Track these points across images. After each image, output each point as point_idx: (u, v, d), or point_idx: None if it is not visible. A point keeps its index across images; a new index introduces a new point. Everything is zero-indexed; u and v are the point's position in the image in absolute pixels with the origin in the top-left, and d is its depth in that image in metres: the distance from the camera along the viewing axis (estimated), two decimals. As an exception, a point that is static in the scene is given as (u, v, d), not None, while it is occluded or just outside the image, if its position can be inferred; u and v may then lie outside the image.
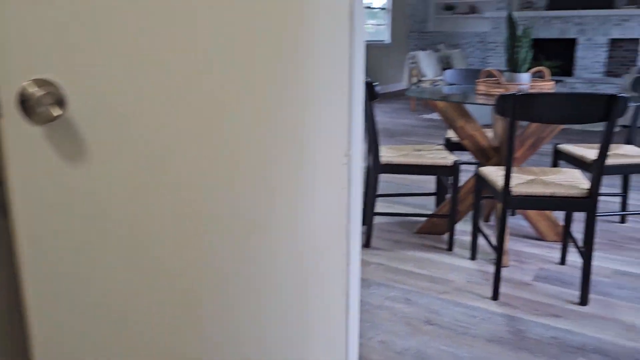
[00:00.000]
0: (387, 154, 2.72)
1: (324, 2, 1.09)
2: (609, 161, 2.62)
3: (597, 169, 2.00)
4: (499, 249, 2.15)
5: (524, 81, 2.53)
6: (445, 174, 2.58)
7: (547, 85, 2.51)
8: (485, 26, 11.12)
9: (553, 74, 8.58)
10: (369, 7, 9.76)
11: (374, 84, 2.42)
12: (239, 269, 1.17)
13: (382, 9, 10.18)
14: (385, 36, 10.39)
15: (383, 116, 7.25)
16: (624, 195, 3.02)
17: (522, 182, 2.18)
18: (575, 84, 9.51)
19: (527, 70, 2.59)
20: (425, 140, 5.53)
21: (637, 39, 9.46)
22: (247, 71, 1.04)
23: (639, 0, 9.27)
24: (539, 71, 2.64)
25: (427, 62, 7.63)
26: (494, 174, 2.29)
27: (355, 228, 1.28)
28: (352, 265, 1.37)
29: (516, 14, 10.14)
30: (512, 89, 2.51)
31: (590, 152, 2.72)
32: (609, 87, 9.25)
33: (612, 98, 1.85)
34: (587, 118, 1.89)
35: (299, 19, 1.07)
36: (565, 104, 1.89)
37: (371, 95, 2.44)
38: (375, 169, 2.63)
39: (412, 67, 7.68)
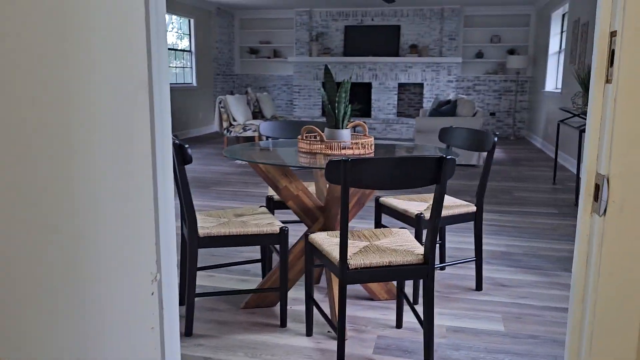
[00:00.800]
0: (206, 224, 2.35)
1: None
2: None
3: (431, 237, 1.91)
4: (340, 333, 1.92)
5: (345, 138, 2.41)
6: (272, 242, 2.31)
7: (368, 141, 2.42)
8: (289, 70, 11.46)
9: (355, 116, 9.16)
10: (172, 49, 9.33)
11: (185, 146, 2.05)
12: None
13: (187, 51, 9.83)
14: (190, 79, 10.03)
15: (193, 163, 6.82)
16: (442, 242, 3.09)
17: (356, 250, 2.00)
18: (374, 125, 10.24)
19: (347, 125, 2.48)
20: (241, 190, 5.26)
21: (421, 84, 10.59)
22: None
23: (419, 50, 10.42)
24: (358, 125, 2.55)
25: (236, 106, 7.46)
26: (327, 242, 2.08)
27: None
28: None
29: (316, 59, 10.64)
30: (335, 147, 2.37)
31: (412, 205, 2.70)
32: (402, 126, 10.16)
33: (442, 161, 1.78)
34: (420, 182, 1.79)
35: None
36: (397, 170, 1.76)
37: (184, 159, 2.07)
38: (192, 243, 2.25)
39: (222, 111, 7.43)
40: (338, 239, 2.09)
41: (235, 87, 11.75)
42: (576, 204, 4.73)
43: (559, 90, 7.57)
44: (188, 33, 9.88)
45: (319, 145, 2.37)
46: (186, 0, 9.42)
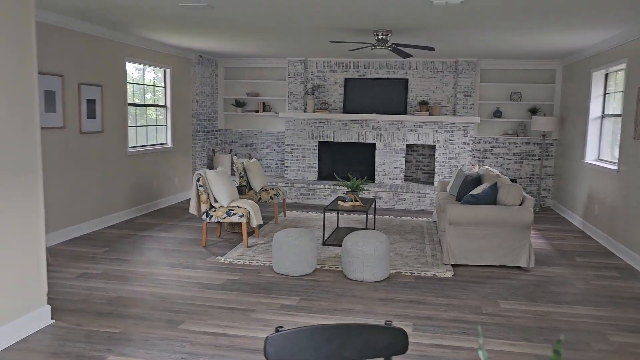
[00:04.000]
0: None
1: None
2: None
3: None
4: None
5: None
6: None
7: None
8: (280, 126, 10.04)
9: (355, 188, 7.49)
10: (144, 105, 7.84)
11: None
12: None
13: (161, 106, 8.35)
14: (165, 138, 8.51)
15: (160, 262, 5.24)
16: None
17: None
18: (380, 193, 8.80)
19: None
20: (226, 336, 3.68)
21: (432, 145, 9.22)
22: None
23: (430, 107, 9.09)
24: None
25: (219, 184, 5.93)
26: None
27: None
28: None
29: (312, 116, 9.24)
30: None
31: None
32: (413, 196, 8.72)
33: None
34: None
35: None
36: None
37: None
38: None
39: (200, 190, 5.90)
40: None
41: (218, 144, 10.27)
42: None
43: (615, 168, 6.21)
44: (163, 85, 8.43)
45: None
46: (163, 49, 8.00)
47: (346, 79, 9.44)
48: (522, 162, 9.26)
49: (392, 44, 6.21)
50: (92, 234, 6.41)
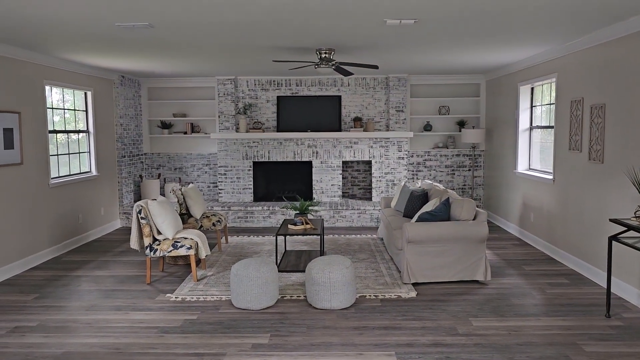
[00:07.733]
0: None
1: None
2: None
3: None
4: None
5: None
6: None
7: None
8: (211, 147, 9.64)
9: (291, 199, 7.26)
10: (63, 131, 7.17)
11: None
12: None
13: (83, 131, 7.69)
14: (88, 166, 7.86)
15: (103, 304, 4.73)
16: None
17: None
18: (321, 211, 8.66)
19: None
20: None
21: (368, 161, 9.25)
22: None
23: (364, 124, 9.14)
24: None
25: (163, 215, 5.51)
26: None
27: None
28: None
29: (245, 136, 8.97)
30: None
31: None
32: (353, 213, 8.66)
33: None
34: None
35: None
36: None
37: None
38: None
39: (142, 223, 5.44)
40: None
41: (145, 169, 9.67)
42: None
43: (550, 177, 6.51)
44: (84, 109, 7.79)
45: None
46: (83, 70, 7.39)
47: (279, 97, 9.27)
48: (454, 174, 9.53)
49: (336, 62, 6.13)
50: (15, 278, 5.71)
